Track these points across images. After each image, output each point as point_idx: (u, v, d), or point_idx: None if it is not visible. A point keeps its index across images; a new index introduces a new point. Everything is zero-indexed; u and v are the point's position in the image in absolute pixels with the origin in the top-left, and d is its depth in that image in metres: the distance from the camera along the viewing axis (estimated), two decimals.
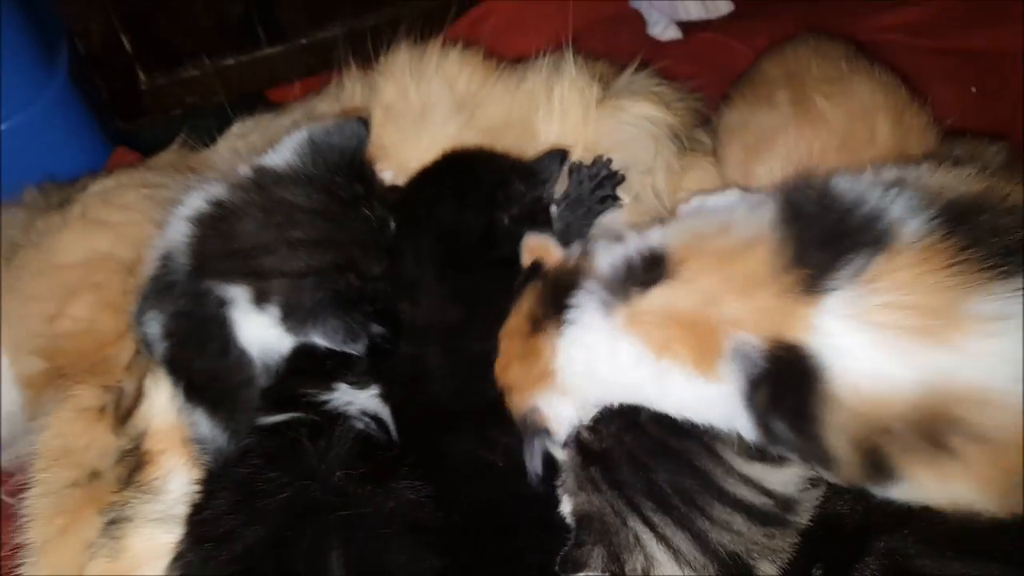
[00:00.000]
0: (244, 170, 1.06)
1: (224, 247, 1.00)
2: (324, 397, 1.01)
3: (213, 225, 1.01)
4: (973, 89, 1.38)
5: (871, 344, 0.76)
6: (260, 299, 0.99)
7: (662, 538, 0.85)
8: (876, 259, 0.78)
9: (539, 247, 1.05)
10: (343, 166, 1.06)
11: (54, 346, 1.06)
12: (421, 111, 1.22)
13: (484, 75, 1.25)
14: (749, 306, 0.81)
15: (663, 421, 0.88)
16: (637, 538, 0.85)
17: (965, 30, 1.46)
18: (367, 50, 1.29)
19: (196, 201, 1.03)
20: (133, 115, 1.68)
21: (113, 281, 1.08)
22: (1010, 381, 0.73)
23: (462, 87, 1.24)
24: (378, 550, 0.86)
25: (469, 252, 1.07)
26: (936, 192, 0.81)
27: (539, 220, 1.11)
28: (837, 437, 0.78)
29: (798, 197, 0.86)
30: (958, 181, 0.83)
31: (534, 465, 0.93)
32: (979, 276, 0.75)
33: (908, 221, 0.79)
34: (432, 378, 1.01)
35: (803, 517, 0.86)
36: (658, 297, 0.86)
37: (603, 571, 0.86)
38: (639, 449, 0.88)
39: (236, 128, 1.32)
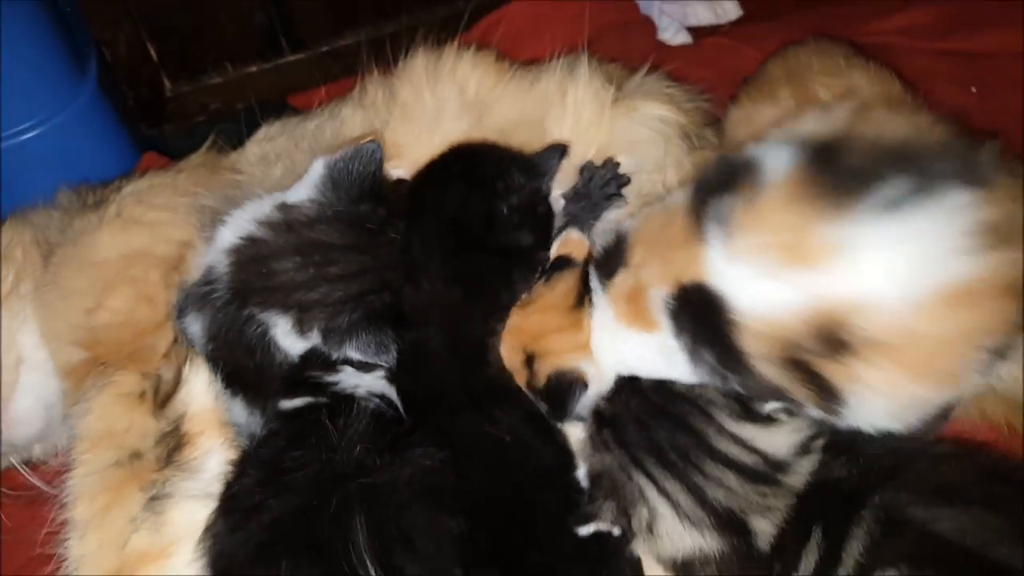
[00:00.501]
0: (268, 208, 1.08)
1: (265, 283, 1.05)
2: (331, 379, 1.05)
3: (250, 265, 1.05)
4: (973, 89, 1.40)
5: (752, 275, 0.83)
6: (302, 327, 1.05)
7: (663, 491, 0.90)
8: (747, 201, 0.85)
9: (576, 244, 1.11)
10: (364, 193, 1.08)
11: (93, 337, 1.08)
12: (434, 111, 1.24)
13: (497, 76, 1.27)
14: (662, 266, 0.91)
15: (661, 387, 0.95)
16: (641, 491, 0.91)
17: (965, 32, 1.48)
18: (387, 56, 1.31)
19: (230, 235, 1.07)
20: (158, 121, 1.72)
21: (150, 275, 1.11)
22: (883, 289, 0.78)
23: (474, 87, 1.26)
24: (399, 514, 0.89)
25: (470, 238, 1.09)
26: (805, 134, 0.87)
27: (539, 211, 1.14)
28: (765, 365, 0.85)
29: (712, 167, 0.94)
30: (827, 122, 0.89)
31: (574, 408, 0.99)
32: (834, 204, 0.80)
33: (776, 165, 0.85)
34: (433, 358, 1.04)
35: (796, 480, 0.90)
36: (620, 278, 0.96)
37: (612, 524, 0.91)
38: (642, 411, 0.94)
39: (262, 132, 1.33)
